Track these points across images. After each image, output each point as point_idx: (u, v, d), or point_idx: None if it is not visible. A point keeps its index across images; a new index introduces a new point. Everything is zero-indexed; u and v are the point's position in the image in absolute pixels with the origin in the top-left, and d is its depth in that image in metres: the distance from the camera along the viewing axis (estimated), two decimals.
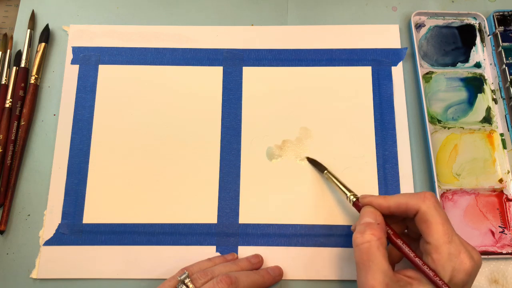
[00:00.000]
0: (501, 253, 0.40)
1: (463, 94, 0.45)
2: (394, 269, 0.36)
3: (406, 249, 0.33)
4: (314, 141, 0.43)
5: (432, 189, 0.42)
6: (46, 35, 0.47)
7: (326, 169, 0.41)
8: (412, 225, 0.34)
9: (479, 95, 0.45)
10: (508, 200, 0.42)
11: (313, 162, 0.42)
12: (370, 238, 0.32)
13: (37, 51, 0.46)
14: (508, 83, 0.44)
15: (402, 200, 0.34)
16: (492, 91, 0.45)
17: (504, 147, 0.43)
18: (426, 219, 0.32)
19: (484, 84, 0.45)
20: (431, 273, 0.31)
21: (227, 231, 0.41)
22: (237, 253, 0.40)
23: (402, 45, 0.47)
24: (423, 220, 0.32)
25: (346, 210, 0.41)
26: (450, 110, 0.44)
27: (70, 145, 0.43)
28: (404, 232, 0.37)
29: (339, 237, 0.40)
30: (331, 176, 0.40)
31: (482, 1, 0.49)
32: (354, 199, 0.37)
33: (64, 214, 0.41)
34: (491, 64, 0.46)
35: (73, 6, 0.48)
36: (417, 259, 0.32)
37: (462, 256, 0.30)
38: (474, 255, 0.31)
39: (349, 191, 0.38)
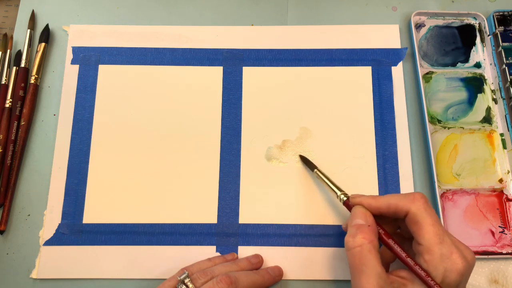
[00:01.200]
0: (501, 253, 0.40)
1: (463, 94, 0.45)
2: (389, 269, 0.36)
3: (398, 249, 0.33)
4: (314, 141, 0.43)
5: (432, 189, 0.42)
6: (46, 35, 0.47)
7: (316, 167, 0.40)
8: (404, 225, 0.34)
9: (479, 95, 0.45)
10: (508, 200, 0.42)
11: (305, 160, 0.42)
12: (362, 241, 0.32)
13: (37, 51, 0.46)
14: (508, 83, 0.44)
15: (392, 201, 0.33)
16: (492, 91, 0.45)
17: (504, 147, 0.43)
18: (416, 220, 0.32)
19: (484, 84, 0.45)
20: (423, 273, 0.31)
21: (227, 231, 0.41)
22: (237, 253, 0.40)
23: (402, 45, 0.47)
24: (413, 222, 0.32)
25: (346, 210, 0.41)
26: (450, 110, 0.44)
27: (70, 145, 0.43)
28: (397, 232, 0.37)
29: (339, 237, 0.40)
30: (321, 175, 0.40)
31: (482, 1, 0.49)
32: (345, 198, 0.37)
33: (64, 214, 0.41)
34: (491, 64, 0.46)
35: (73, 6, 0.48)
36: (408, 259, 0.32)
37: (454, 256, 0.30)
38: (467, 255, 0.31)
39: (340, 190, 0.38)
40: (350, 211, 0.36)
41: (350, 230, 0.33)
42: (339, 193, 0.37)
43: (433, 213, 0.32)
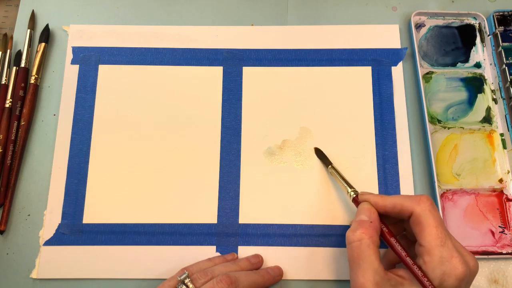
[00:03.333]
0: (501, 253, 0.40)
1: (463, 94, 0.45)
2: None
3: (398, 248, 0.33)
4: (314, 141, 0.43)
5: (432, 189, 0.42)
6: (46, 35, 0.47)
7: (331, 163, 0.41)
8: (409, 227, 0.34)
9: (479, 95, 0.45)
10: (508, 200, 0.42)
11: (320, 154, 0.42)
12: (361, 236, 0.32)
13: (37, 51, 0.46)
14: (508, 83, 0.44)
15: (398, 201, 0.34)
16: (492, 91, 0.45)
17: (504, 147, 0.43)
18: (419, 221, 0.32)
19: (484, 84, 0.45)
20: (420, 273, 0.31)
21: (227, 231, 0.41)
22: (237, 253, 0.40)
23: (402, 45, 0.47)
24: (416, 223, 0.32)
25: (347, 210, 0.41)
26: (450, 110, 0.44)
27: (70, 145, 0.43)
28: (402, 234, 0.37)
29: (339, 237, 0.40)
30: (334, 172, 0.40)
31: (482, 1, 0.49)
32: (354, 195, 0.37)
33: (64, 214, 0.41)
34: (491, 64, 0.46)
35: (73, 6, 0.48)
36: (408, 259, 0.32)
37: (454, 260, 0.30)
38: (470, 261, 0.31)
39: (350, 187, 0.38)
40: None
41: (352, 225, 0.34)
42: (349, 190, 0.38)
43: (437, 216, 0.32)
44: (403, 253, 0.32)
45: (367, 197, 0.36)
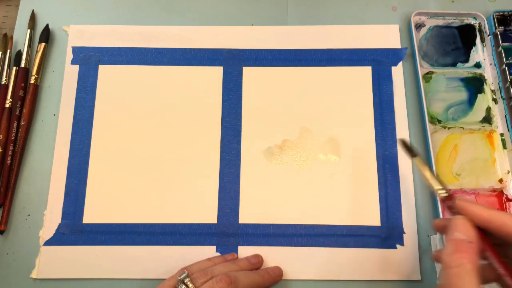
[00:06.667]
0: None
1: (463, 94, 0.45)
2: None
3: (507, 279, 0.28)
4: (314, 141, 0.43)
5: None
6: (46, 35, 0.47)
7: (417, 155, 0.36)
8: None
9: (479, 95, 0.45)
10: (508, 200, 0.42)
11: (405, 145, 0.38)
12: (460, 262, 0.27)
13: (37, 51, 0.46)
14: (508, 83, 0.44)
15: (509, 221, 0.28)
16: (492, 91, 0.45)
17: (504, 147, 0.43)
18: None
19: (484, 84, 0.45)
20: None
21: (227, 231, 0.41)
22: (237, 253, 0.40)
23: (402, 45, 0.47)
24: None
25: (346, 210, 0.41)
26: (450, 110, 0.44)
27: (70, 145, 0.43)
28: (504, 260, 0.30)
29: (339, 237, 0.40)
30: (421, 165, 0.35)
31: (482, 1, 0.49)
32: (446, 195, 0.31)
33: (64, 214, 0.41)
34: (491, 64, 0.46)
35: (73, 6, 0.48)
36: None
37: None
38: None
39: (441, 184, 0.32)
40: (450, 211, 0.31)
41: (448, 247, 0.28)
42: (438, 187, 0.32)
43: None
44: None
45: (467, 206, 0.29)
